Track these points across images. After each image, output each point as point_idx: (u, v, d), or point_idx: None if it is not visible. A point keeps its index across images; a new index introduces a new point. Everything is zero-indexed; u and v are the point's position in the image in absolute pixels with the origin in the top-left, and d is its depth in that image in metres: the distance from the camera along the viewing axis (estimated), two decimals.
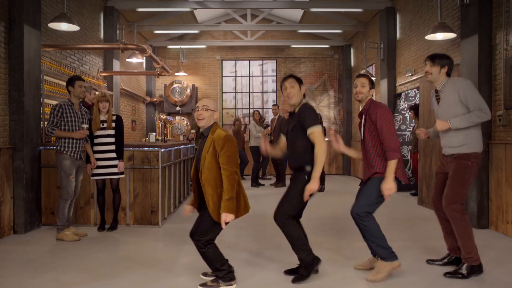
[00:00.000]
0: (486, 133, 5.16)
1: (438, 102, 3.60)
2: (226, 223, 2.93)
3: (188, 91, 12.16)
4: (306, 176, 3.23)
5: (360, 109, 3.50)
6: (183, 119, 11.86)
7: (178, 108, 12.15)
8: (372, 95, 3.47)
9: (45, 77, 6.16)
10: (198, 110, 3.14)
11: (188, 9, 9.50)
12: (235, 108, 13.26)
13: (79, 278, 3.41)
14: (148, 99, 12.17)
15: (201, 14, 11.71)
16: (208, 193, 2.98)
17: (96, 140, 4.96)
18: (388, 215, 5.93)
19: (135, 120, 11.18)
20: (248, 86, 13.25)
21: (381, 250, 3.28)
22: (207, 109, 3.13)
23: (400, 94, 8.59)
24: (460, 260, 3.51)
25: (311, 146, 3.25)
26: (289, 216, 3.25)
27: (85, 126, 4.75)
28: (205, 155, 3.02)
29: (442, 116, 3.51)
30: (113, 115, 5.03)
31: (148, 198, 5.34)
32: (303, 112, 3.29)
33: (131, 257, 4.02)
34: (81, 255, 4.09)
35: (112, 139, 4.97)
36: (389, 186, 3.19)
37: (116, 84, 9.12)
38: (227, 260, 3.17)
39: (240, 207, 3.06)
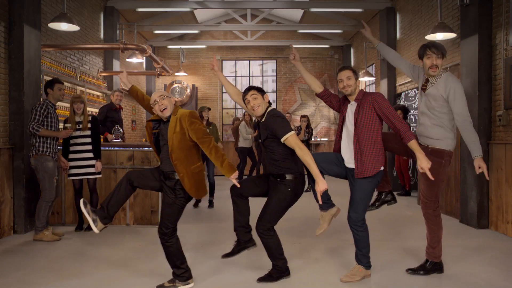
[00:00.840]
0: (486, 133, 5.17)
1: (424, 91, 3.49)
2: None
3: (188, 91, 12.16)
4: (288, 189, 3.18)
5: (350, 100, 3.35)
6: None
7: None
8: (359, 86, 3.34)
9: (45, 77, 6.16)
10: (157, 103, 3.11)
11: (188, 9, 9.50)
12: (235, 108, 13.27)
13: (44, 278, 3.42)
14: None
15: (201, 14, 11.72)
16: (182, 172, 3.04)
17: (72, 141, 4.97)
18: (390, 215, 5.93)
19: (135, 120, 11.18)
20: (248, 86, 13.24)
21: (364, 258, 3.38)
22: (164, 97, 3.13)
23: (400, 94, 8.60)
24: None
25: (289, 153, 3.18)
26: (270, 227, 3.24)
27: (69, 125, 4.79)
28: (172, 136, 3.04)
29: (428, 105, 3.43)
30: (89, 115, 5.03)
31: (148, 198, 5.34)
32: (271, 122, 3.17)
33: (101, 257, 4.02)
34: (52, 255, 4.10)
35: (89, 140, 4.98)
36: (425, 164, 3.11)
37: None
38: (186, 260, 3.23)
39: (203, 188, 3.18)
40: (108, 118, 6.42)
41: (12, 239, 4.74)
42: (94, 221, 3.05)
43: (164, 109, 3.10)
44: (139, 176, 3.19)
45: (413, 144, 3.14)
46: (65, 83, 6.93)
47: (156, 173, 3.23)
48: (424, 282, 3.35)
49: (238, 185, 3.18)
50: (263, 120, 3.27)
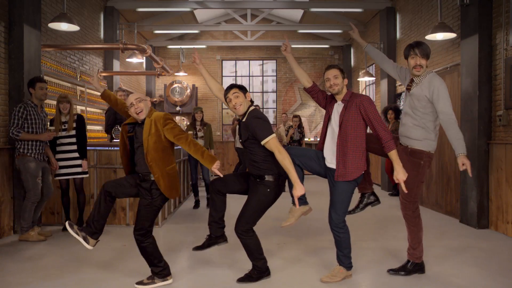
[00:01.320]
0: (486, 133, 5.17)
1: (408, 91, 3.49)
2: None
3: (188, 91, 12.16)
4: (268, 189, 3.18)
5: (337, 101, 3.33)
6: (183, 119, 11.87)
7: (178, 108, 12.16)
8: (346, 85, 3.31)
9: (45, 77, 6.16)
10: (133, 105, 3.13)
11: (188, 9, 9.50)
12: None
13: (26, 279, 3.42)
14: (148, 99, 12.16)
15: (201, 14, 11.72)
16: (157, 173, 3.08)
17: (58, 141, 4.95)
18: (377, 215, 5.93)
19: None
20: (248, 86, 13.24)
21: (345, 259, 3.36)
22: (141, 100, 3.16)
23: (400, 94, 8.59)
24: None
25: (269, 154, 3.16)
26: (249, 228, 3.24)
27: (52, 128, 4.80)
28: (147, 137, 3.07)
29: (411, 105, 3.43)
30: (74, 114, 5.02)
31: None
32: (251, 124, 3.14)
33: (87, 257, 4.01)
34: (37, 255, 4.09)
35: (74, 139, 4.96)
36: (401, 176, 3.13)
37: (116, 84, 9.13)
38: (164, 259, 3.28)
39: (176, 189, 3.22)
40: (117, 120, 6.37)
41: (12, 239, 4.74)
42: (84, 239, 3.09)
43: (139, 112, 3.14)
44: (115, 186, 3.22)
45: (393, 155, 3.15)
46: (65, 83, 6.96)
47: (131, 179, 3.26)
48: (404, 282, 3.35)
49: (221, 175, 3.19)
50: (244, 120, 3.25)
